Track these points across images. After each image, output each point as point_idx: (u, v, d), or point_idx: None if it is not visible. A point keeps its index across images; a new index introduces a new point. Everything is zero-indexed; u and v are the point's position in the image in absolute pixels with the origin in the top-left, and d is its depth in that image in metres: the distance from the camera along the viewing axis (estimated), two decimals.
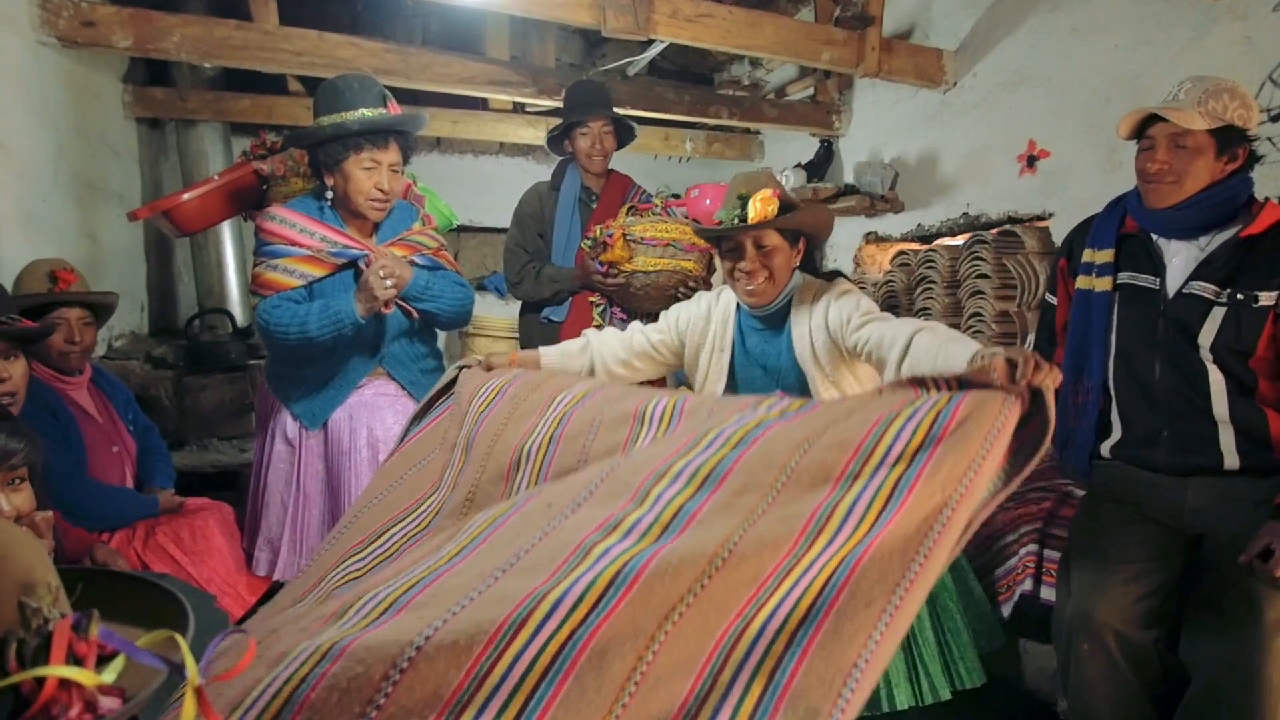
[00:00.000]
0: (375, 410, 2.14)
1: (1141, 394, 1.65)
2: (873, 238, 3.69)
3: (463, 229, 4.70)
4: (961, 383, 1.05)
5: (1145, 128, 1.59)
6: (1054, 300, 1.92)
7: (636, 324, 1.96)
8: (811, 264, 1.94)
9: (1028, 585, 1.91)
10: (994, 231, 2.94)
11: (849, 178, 3.62)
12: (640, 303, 2.41)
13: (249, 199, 2.28)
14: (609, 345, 1.92)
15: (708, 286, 2.48)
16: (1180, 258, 1.62)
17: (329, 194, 2.02)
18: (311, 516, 2.12)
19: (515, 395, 1.52)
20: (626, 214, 2.37)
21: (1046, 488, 2.08)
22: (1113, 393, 1.72)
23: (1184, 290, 1.58)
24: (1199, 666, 1.50)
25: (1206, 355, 1.56)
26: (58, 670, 0.55)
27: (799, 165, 3.82)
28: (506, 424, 1.45)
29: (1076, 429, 1.79)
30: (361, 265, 1.99)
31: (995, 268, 2.89)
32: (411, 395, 2.19)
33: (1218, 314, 1.54)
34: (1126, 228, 1.69)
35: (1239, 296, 1.52)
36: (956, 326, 3.06)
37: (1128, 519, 1.66)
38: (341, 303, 1.93)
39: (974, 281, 2.97)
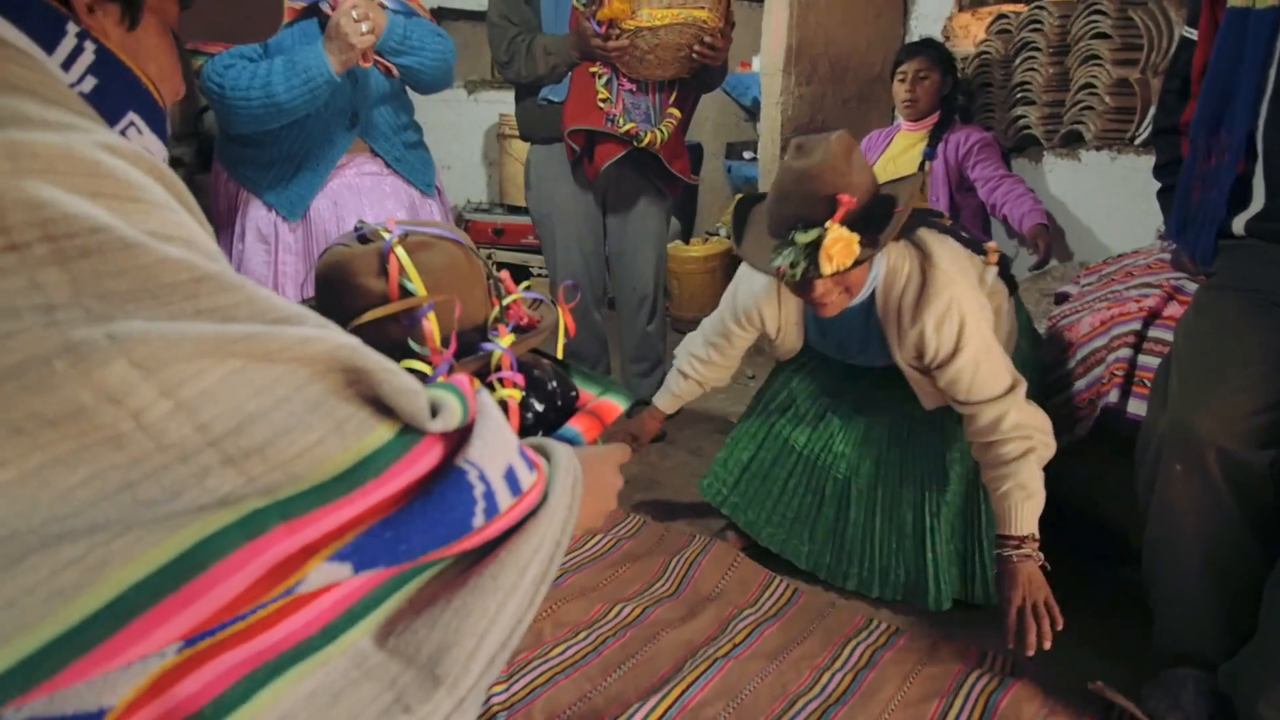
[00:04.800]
0: (361, 194, 1.91)
1: None
2: (967, 2, 3.07)
3: (449, 12, 4.08)
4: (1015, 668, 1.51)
5: None
6: (1194, 34, 1.48)
7: (710, 334, 1.81)
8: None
9: (1113, 397, 1.58)
10: None
11: None
12: (650, 69, 2.03)
13: None
14: (708, 375, 1.87)
15: (727, 42, 2.06)
16: None
17: None
18: None
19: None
20: None
21: (1152, 283, 1.69)
22: (1260, 148, 1.32)
23: None
24: None
25: None
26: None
27: None
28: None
29: (1204, 200, 1.39)
30: (326, 9, 1.70)
31: (1117, 23, 2.32)
32: (398, 173, 1.94)
33: None
34: None
35: None
36: (1060, 104, 2.53)
37: (1254, 311, 1.29)
38: (310, 57, 1.64)
39: (1088, 44, 2.40)
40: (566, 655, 1.53)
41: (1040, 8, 2.57)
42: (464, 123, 4.09)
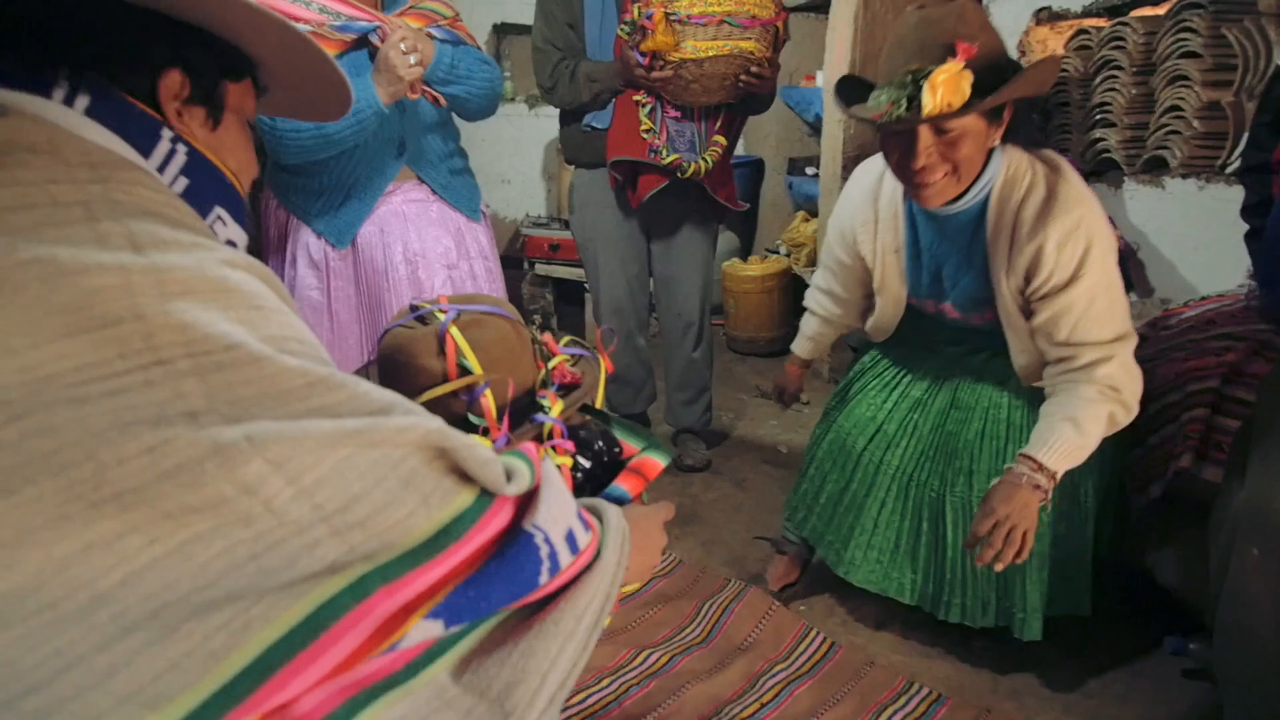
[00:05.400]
0: (407, 220, 1.91)
1: None
2: (1045, 15, 2.90)
3: (510, 27, 4.09)
4: None
5: None
6: None
7: (826, 259, 1.75)
8: (1025, 128, 1.39)
9: (1186, 460, 1.45)
10: None
11: None
12: (695, 97, 1.98)
13: None
14: (835, 311, 1.80)
15: (773, 71, 1.99)
16: None
17: None
18: (348, 346, 1.96)
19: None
20: None
21: (1236, 334, 1.54)
22: None
23: None
24: None
25: None
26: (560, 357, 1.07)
27: None
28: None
29: None
30: (374, 40, 1.68)
31: (1209, 42, 2.14)
32: (444, 199, 1.94)
33: None
34: None
35: None
36: (1144, 127, 2.37)
37: None
38: (359, 88, 1.65)
39: (1176, 63, 2.23)
40: (587, 703, 1.49)
41: (1124, 23, 2.41)
42: (524, 137, 4.11)
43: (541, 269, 3.86)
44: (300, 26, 1.73)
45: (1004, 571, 1.51)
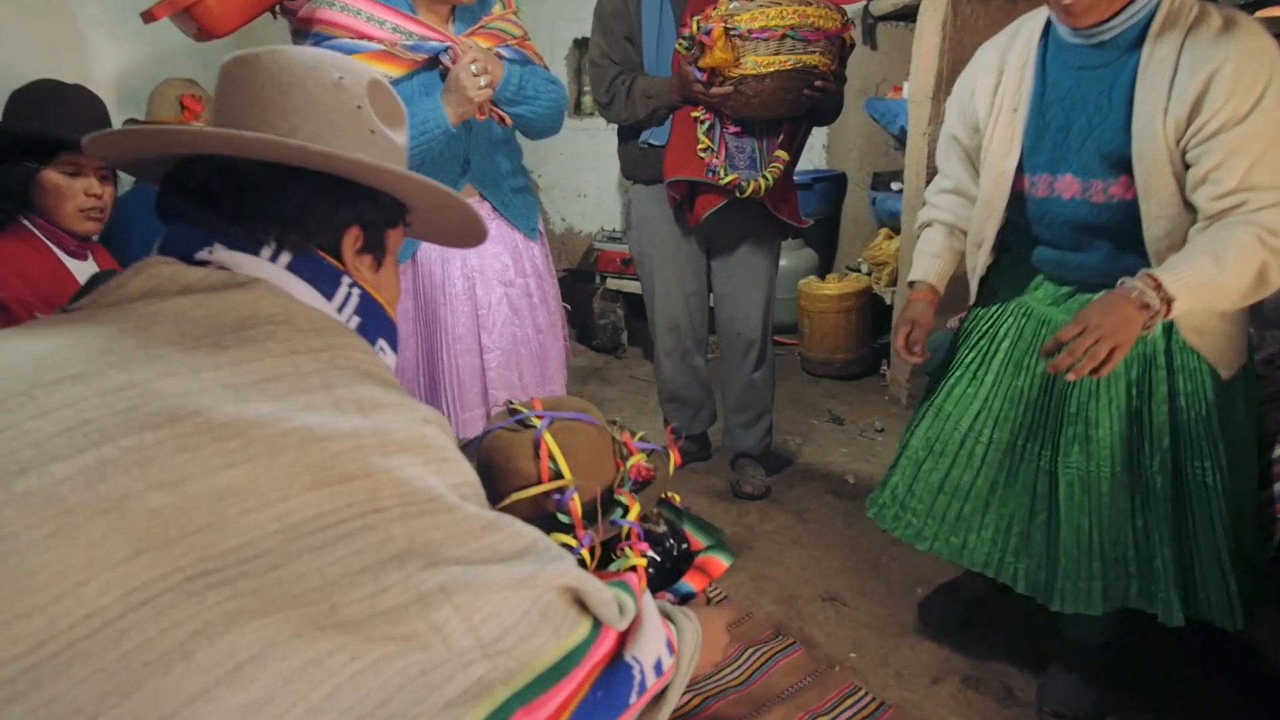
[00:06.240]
0: None
1: None
2: None
3: None
4: None
5: None
6: None
7: (942, 146, 1.57)
8: None
9: None
10: None
11: None
12: (756, 111, 1.90)
13: None
14: (958, 209, 1.59)
15: (839, 84, 1.87)
16: None
17: None
18: (404, 359, 1.97)
19: None
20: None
21: None
22: None
23: None
24: None
25: None
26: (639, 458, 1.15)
27: None
28: None
29: None
30: (445, 61, 1.69)
31: None
32: (503, 217, 1.93)
33: None
34: None
35: None
36: None
37: None
38: (428, 108, 1.66)
39: None
40: None
41: None
42: (602, 151, 4.10)
43: (613, 283, 3.83)
44: (373, 45, 1.74)
45: (1132, 542, 1.35)
